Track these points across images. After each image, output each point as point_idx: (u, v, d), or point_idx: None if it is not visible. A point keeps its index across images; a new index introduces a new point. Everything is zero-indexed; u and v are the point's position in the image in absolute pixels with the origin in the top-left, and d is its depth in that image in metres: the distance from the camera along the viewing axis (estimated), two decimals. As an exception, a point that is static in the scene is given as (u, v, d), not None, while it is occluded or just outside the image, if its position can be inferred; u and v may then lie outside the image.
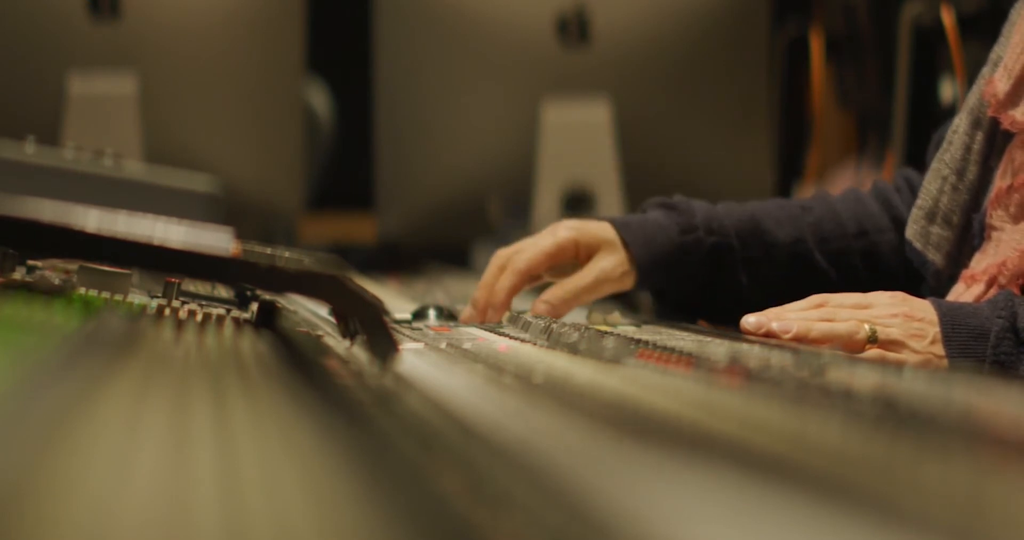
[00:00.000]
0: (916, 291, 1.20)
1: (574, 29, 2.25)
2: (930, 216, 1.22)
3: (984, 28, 2.31)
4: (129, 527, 0.35)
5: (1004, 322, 1.05)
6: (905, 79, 2.46)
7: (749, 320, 1.05)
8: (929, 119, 2.39)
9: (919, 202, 1.23)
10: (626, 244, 1.27)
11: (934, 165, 1.23)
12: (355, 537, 0.36)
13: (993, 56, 1.21)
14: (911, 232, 1.23)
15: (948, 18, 2.37)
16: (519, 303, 1.40)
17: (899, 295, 1.09)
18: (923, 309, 1.07)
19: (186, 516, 0.36)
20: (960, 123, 1.22)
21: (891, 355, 1.05)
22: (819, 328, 1.04)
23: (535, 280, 1.28)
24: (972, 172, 1.20)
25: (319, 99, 3.03)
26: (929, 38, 2.43)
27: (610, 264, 1.26)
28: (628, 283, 1.28)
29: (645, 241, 1.28)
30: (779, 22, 2.80)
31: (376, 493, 0.41)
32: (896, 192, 1.37)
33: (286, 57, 2.33)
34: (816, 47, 2.94)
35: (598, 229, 1.28)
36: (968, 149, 1.20)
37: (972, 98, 1.21)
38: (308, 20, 2.34)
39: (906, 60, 2.47)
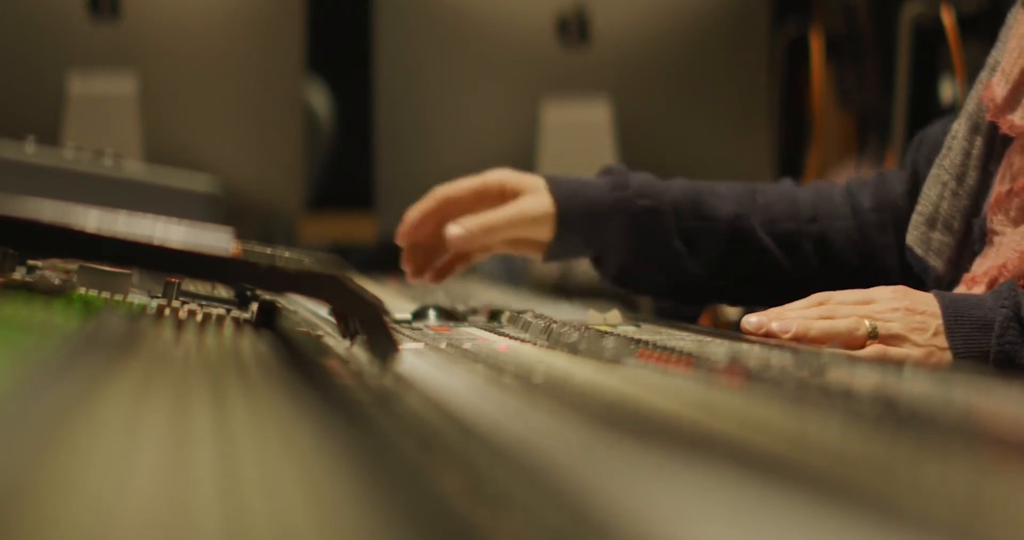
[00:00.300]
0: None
1: (574, 29, 2.25)
2: (930, 222, 1.22)
3: (984, 28, 2.31)
4: (129, 527, 0.35)
5: (1008, 311, 1.05)
6: (905, 79, 2.46)
7: (750, 320, 1.05)
8: (929, 119, 2.39)
9: (919, 208, 1.23)
10: (552, 193, 1.30)
11: (933, 171, 1.23)
12: (355, 537, 0.36)
13: (991, 60, 1.21)
14: (911, 238, 1.23)
15: (948, 18, 2.37)
16: (518, 303, 1.40)
17: (901, 289, 1.09)
18: (925, 302, 1.07)
19: (186, 516, 0.36)
20: (959, 128, 1.21)
21: (893, 350, 1.05)
22: (819, 326, 1.04)
23: (455, 213, 1.31)
24: (972, 177, 1.20)
25: (319, 99, 3.03)
26: (929, 38, 2.43)
27: (530, 204, 1.30)
28: (546, 230, 1.30)
29: (571, 192, 1.31)
30: (779, 22, 2.80)
31: (376, 493, 0.41)
32: (867, 186, 1.37)
33: (286, 57, 2.33)
34: (816, 47, 2.93)
35: (529, 177, 1.32)
36: (967, 154, 1.20)
37: (971, 103, 1.21)
38: (308, 20, 2.34)
39: (906, 60, 2.47)
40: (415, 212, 1.32)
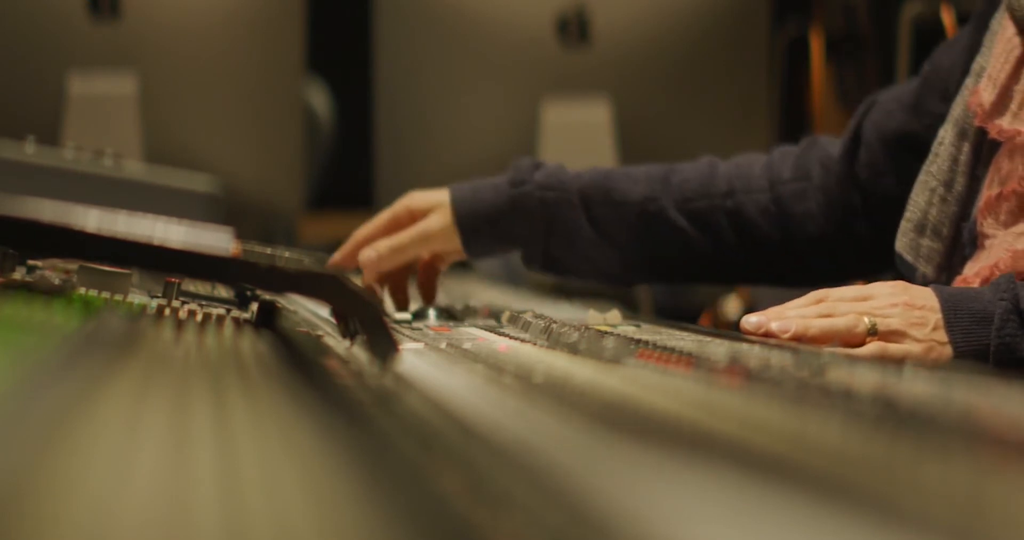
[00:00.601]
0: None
1: (574, 29, 2.25)
2: (919, 228, 1.22)
3: (984, 28, 2.30)
4: (129, 527, 0.35)
5: (1007, 304, 1.05)
6: (905, 79, 2.46)
7: (750, 320, 1.05)
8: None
9: (907, 214, 1.23)
10: (452, 205, 1.36)
11: (921, 177, 1.23)
12: (355, 537, 0.36)
13: (976, 67, 1.21)
14: (901, 245, 1.23)
15: (948, 18, 2.37)
16: (518, 303, 1.40)
17: (899, 284, 1.09)
18: (924, 297, 1.07)
19: (186, 516, 0.36)
20: (945, 135, 1.21)
21: (893, 346, 1.05)
22: (818, 325, 1.04)
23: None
24: (960, 183, 1.19)
25: (319, 99, 3.03)
26: (929, 38, 2.43)
27: (434, 221, 1.35)
28: (454, 240, 1.35)
29: (470, 201, 1.36)
30: (779, 22, 2.80)
31: (376, 493, 0.41)
32: (790, 155, 1.39)
33: (286, 57, 2.33)
34: (816, 47, 2.93)
35: (434, 195, 1.37)
36: (955, 160, 1.20)
37: (956, 109, 1.21)
38: (308, 20, 2.34)
39: (906, 60, 2.47)
40: (338, 257, 1.37)
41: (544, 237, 1.37)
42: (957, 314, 1.06)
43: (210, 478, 0.40)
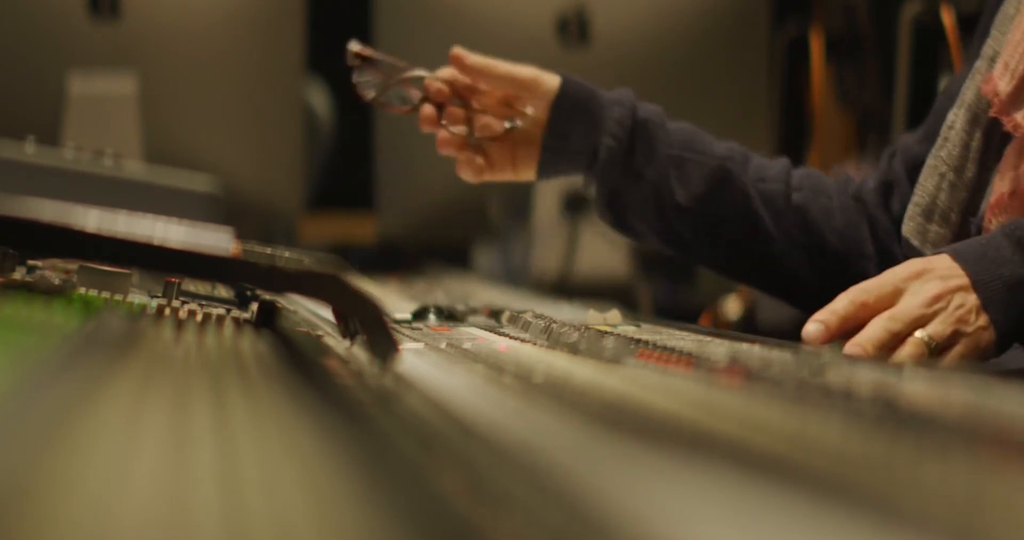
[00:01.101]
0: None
1: (574, 29, 2.25)
2: (927, 214, 1.21)
3: (984, 28, 2.30)
4: (129, 527, 0.35)
5: None
6: (905, 79, 2.46)
7: (813, 335, 1.05)
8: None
9: (916, 199, 1.22)
10: (560, 76, 1.37)
11: (930, 161, 1.22)
12: (355, 537, 0.36)
13: (988, 51, 1.20)
14: (908, 229, 1.22)
15: (948, 18, 2.37)
16: (518, 303, 1.40)
17: (916, 269, 1.08)
18: (947, 270, 1.07)
19: (186, 516, 0.36)
20: (956, 119, 1.20)
21: (955, 355, 1.05)
22: (876, 339, 1.04)
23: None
24: (970, 170, 1.19)
25: (319, 99, 3.03)
26: (929, 38, 2.43)
27: (538, 71, 1.38)
28: (543, 104, 1.36)
29: (577, 80, 1.38)
30: (779, 22, 2.80)
31: (376, 493, 0.41)
32: (850, 181, 1.39)
33: (286, 57, 2.33)
34: (816, 47, 2.94)
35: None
36: (967, 146, 1.19)
37: (968, 94, 1.20)
38: (308, 20, 2.34)
39: (906, 60, 2.47)
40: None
41: (622, 156, 1.34)
42: (989, 287, 1.06)
43: (210, 478, 0.40)
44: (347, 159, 2.99)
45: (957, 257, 1.07)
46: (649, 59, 2.25)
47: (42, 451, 0.41)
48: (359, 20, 2.50)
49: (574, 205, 2.22)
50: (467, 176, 1.37)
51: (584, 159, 1.35)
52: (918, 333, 1.04)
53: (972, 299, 1.05)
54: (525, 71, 1.34)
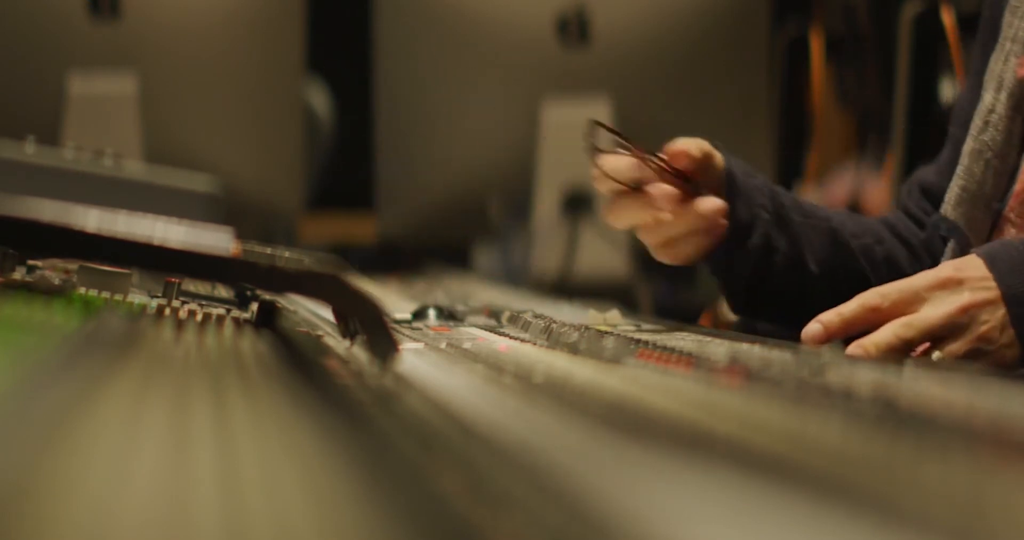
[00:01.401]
0: None
1: (574, 29, 2.25)
2: (974, 199, 1.18)
3: (984, 28, 2.30)
4: (129, 527, 0.35)
5: None
6: (905, 79, 2.46)
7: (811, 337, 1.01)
8: (929, 119, 2.39)
9: (962, 183, 1.18)
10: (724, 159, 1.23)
11: (974, 146, 1.18)
12: (355, 537, 0.36)
13: (1019, 34, 1.17)
14: (955, 214, 1.18)
15: (948, 18, 2.37)
16: (518, 303, 1.40)
17: (944, 276, 1.02)
18: (978, 282, 1.01)
19: (186, 516, 0.36)
20: (997, 104, 1.17)
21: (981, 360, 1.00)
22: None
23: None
24: (1013, 157, 1.16)
25: (319, 99, 3.03)
26: (929, 38, 2.43)
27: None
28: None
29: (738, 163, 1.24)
30: (779, 22, 2.80)
31: (376, 493, 0.41)
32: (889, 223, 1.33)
33: (286, 57, 2.33)
34: (816, 47, 2.94)
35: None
36: (1010, 133, 1.16)
37: (1007, 75, 1.17)
38: (308, 20, 2.34)
39: (906, 60, 2.47)
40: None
41: (767, 239, 1.22)
42: (1021, 301, 1.00)
43: (210, 478, 0.40)
44: (347, 159, 2.99)
45: (990, 264, 1.02)
46: (649, 59, 2.25)
47: (42, 451, 0.41)
48: (359, 20, 2.50)
49: (574, 205, 2.21)
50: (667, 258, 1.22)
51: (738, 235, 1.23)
52: (934, 354, 1.00)
53: (1000, 314, 1.00)
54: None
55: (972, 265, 1.03)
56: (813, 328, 1.02)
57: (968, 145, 1.19)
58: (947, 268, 1.04)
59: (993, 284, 1.01)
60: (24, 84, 2.22)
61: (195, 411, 0.52)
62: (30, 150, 1.49)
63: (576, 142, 2.25)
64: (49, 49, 2.20)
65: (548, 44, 2.25)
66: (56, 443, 0.43)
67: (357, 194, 2.69)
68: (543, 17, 2.25)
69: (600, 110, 2.23)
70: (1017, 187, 1.14)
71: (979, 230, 1.17)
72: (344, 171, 3.02)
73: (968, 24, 2.35)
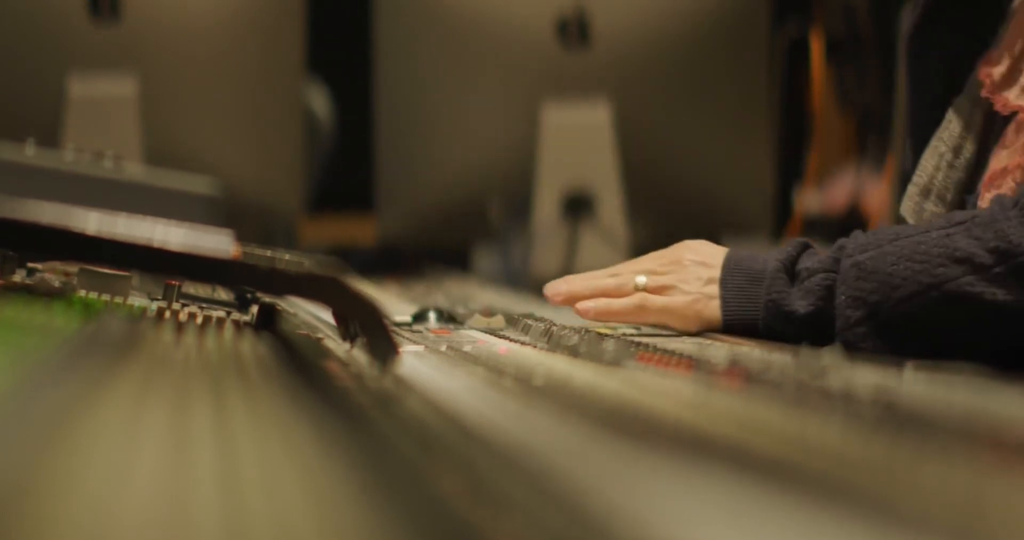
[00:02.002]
0: None
1: (574, 30, 2.25)
2: (924, 192, 1.22)
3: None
4: (129, 527, 0.35)
5: (779, 263, 1.08)
6: (905, 80, 2.46)
7: (547, 288, 1.12)
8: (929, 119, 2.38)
9: (915, 179, 1.24)
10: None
11: (933, 142, 1.23)
12: (355, 538, 0.36)
13: (999, 38, 1.21)
14: (905, 208, 1.24)
15: (948, 19, 2.37)
16: (518, 305, 1.40)
17: (694, 244, 1.14)
18: (714, 255, 1.12)
19: (186, 517, 0.36)
20: (961, 102, 1.22)
21: (653, 298, 1.10)
22: (589, 285, 1.11)
23: None
24: (968, 150, 1.20)
25: (319, 99, 3.03)
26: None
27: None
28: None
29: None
30: (779, 23, 2.80)
31: (376, 494, 0.41)
32: None
33: (286, 57, 2.33)
34: (816, 48, 2.93)
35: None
36: (966, 127, 1.20)
37: (973, 76, 1.21)
38: (308, 20, 2.34)
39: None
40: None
41: None
42: (733, 272, 1.10)
43: (210, 479, 0.40)
44: (347, 160, 2.99)
45: (730, 249, 1.13)
46: (649, 59, 2.25)
47: (42, 451, 0.41)
48: (359, 20, 2.50)
49: (575, 207, 2.21)
50: None
51: None
52: (639, 276, 1.11)
53: (713, 273, 1.10)
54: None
55: (716, 248, 1.14)
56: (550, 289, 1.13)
57: (931, 142, 1.24)
58: (703, 243, 1.16)
59: (718, 256, 1.12)
60: (24, 85, 2.22)
61: (195, 413, 0.52)
62: (30, 152, 1.49)
63: (576, 143, 2.25)
64: (49, 50, 2.20)
65: (548, 46, 2.25)
66: (56, 444, 0.43)
67: (357, 196, 2.69)
68: (543, 18, 2.25)
69: (600, 111, 2.23)
70: (986, 176, 1.16)
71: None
72: (344, 172, 3.02)
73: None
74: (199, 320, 0.87)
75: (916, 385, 0.74)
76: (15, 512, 0.35)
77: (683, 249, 1.14)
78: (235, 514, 0.37)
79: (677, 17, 2.25)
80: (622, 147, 2.24)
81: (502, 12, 2.26)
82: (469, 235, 2.40)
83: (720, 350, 0.91)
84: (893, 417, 0.60)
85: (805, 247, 1.10)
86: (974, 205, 1.17)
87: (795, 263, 1.09)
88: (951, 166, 1.21)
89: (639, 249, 2.30)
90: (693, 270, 1.11)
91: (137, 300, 0.91)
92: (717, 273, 1.10)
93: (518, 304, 1.45)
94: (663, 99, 2.27)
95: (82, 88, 2.19)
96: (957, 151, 1.21)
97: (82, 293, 0.88)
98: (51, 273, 0.94)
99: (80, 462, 0.41)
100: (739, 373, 0.74)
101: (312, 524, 0.37)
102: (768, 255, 1.11)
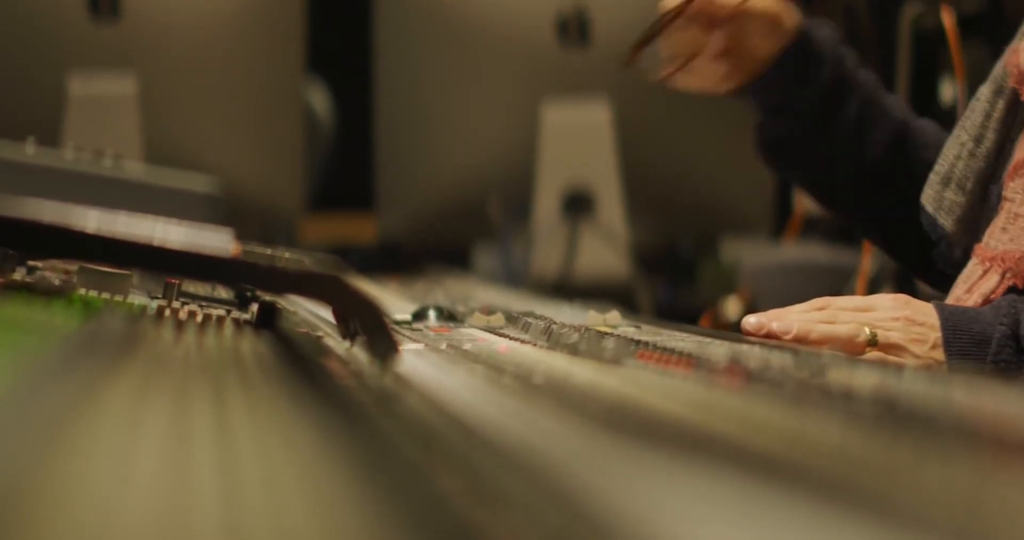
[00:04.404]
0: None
1: (574, 29, 2.25)
2: (945, 181, 1.22)
3: (984, 28, 2.30)
4: (129, 527, 0.35)
5: (1006, 329, 1.05)
6: (905, 80, 2.46)
7: (750, 321, 1.05)
8: (929, 119, 2.39)
9: (936, 167, 1.23)
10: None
11: (955, 131, 1.23)
12: (355, 537, 0.36)
13: (1023, 28, 1.21)
14: (925, 197, 1.23)
15: (948, 19, 2.37)
16: (518, 304, 1.40)
17: (902, 298, 1.09)
18: (925, 313, 1.07)
19: (186, 516, 0.36)
20: (983, 91, 1.21)
21: (891, 359, 1.05)
22: (820, 330, 1.04)
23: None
24: (990, 139, 1.19)
25: (319, 99, 3.03)
26: (929, 38, 2.43)
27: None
28: (775, 41, 1.31)
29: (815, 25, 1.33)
30: (779, 22, 2.79)
31: (376, 493, 0.41)
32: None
33: (286, 57, 2.33)
34: (816, 47, 2.93)
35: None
36: (988, 116, 1.20)
37: (998, 67, 1.21)
38: (308, 20, 2.34)
39: (906, 60, 2.47)
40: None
41: (822, 106, 1.34)
42: (956, 334, 1.06)
43: (210, 478, 0.40)
44: (347, 159, 3.00)
45: (936, 306, 1.09)
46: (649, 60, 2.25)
47: (42, 451, 0.41)
48: (359, 20, 2.50)
49: (574, 206, 2.22)
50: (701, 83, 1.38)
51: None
52: (866, 326, 1.05)
53: (935, 336, 1.06)
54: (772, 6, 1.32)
55: (921, 303, 1.09)
56: (754, 321, 1.06)
57: (953, 131, 1.24)
58: (902, 297, 1.10)
59: (936, 317, 1.07)
60: (24, 84, 2.22)
61: (195, 412, 0.52)
62: (30, 151, 1.49)
63: (576, 142, 2.25)
64: (49, 49, 2.21)
65: (548, 44, 2.25)
66: (56, 443, 0.43)
67: (357, 195, 2.69)
68: (543, 17, 2.25)
69: (600, 110, 2.23)
70: (1011, 166, 1.16)
71: (951, 210, 1.21)
72: (344, 171, 3.02)
73: (968, 24, 2.35)
74: (199, 318, 0.87)
75: (916, 384, 0.74)
76: (15, 512, 0.35)
77: (888, 300, 1.09)
78: (235, 514, 0.37)
79: (677, 16, 2.25)
80: (622, 146, 2.24)
81: (502, 12, 2.26)
82: (469, 234, 2.40)
83: (720, 348, 0.91)
84: (893, 415, 0.60)
85: (1018, 304, 1.08)
86: (998, 195, 1.17)
87: (1018, 327, 1.06)
88: (972, 155, 1.20)
89: (639, 248, 2.30)
90: (916, 330, 1.06)
91: (137, 298, 0.91)
92: (937, 334, 1.06)
93: (518, 302, 1.45)
94: (663, 98, 2.27)
95: (82, 87, 2.19)
96: (979, 140, 1.20)
97: (82, 291, 0.88)
98: (51, 271, 0.94)
99: (80, 461, 0.41)
100: (739, 371, 0.74)
101: (312, 523, 0.37)
102: (982, 313, 1.08)
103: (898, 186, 1.33)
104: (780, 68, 1.32)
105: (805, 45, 1.31)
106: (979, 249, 1.17)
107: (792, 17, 1.31)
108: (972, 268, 1.17)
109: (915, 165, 1.32)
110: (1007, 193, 1.16)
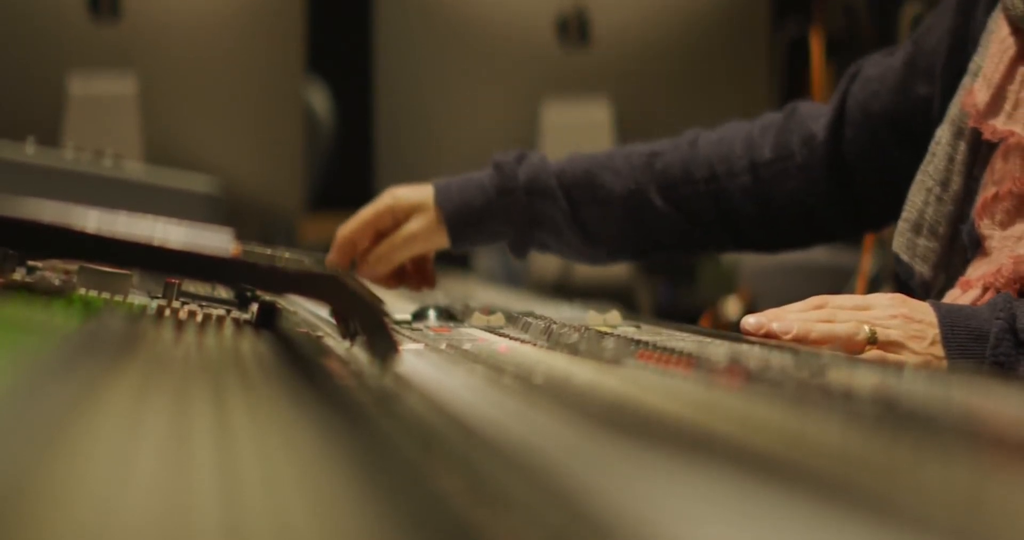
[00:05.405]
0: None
1: (574, 29, 2.25)
2: (916, 228, 1.22)
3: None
4: (129, 527, 0.35)
5: (1003, 323, 1.05)
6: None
7: (749, 321, 1.05)
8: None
9: (904, 214, 1.24)
10: (438, 208, 1.40)
11: (918, 177, 1.23)
12: (355, 537, 0.36)
13: (973, 66, 1.21)
14: (897, 244, 1.24)
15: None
16: (518, 303, 1.40)
17: (899, 297, 1.10)
18: (922, 311, 1.08)
19: (186, 516, 0.36)
20: (943, 135, 1.22)
21: (891, 356, 1.05)
22: (819, 329, 1.04)
23: (363, 249, 1.43)
24: (956, 183, 1.20)
25: (319, 99, 3.03)
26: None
27: (418, 225, 1.40)
28: (441, 241, 1.40)
29: (458, 200, 1.40)
30: (779, 22, 2.80)
31: (376, 493, 0.41)
32: (771, 129, 1.43)
33: (286, 57, 2.33)
34: (816, 47, 2.93)
35: (416, 193, 1.41)
36: (951, 160, 1.20)
37: (954, 108, 1.21)
38: (308, 20, 2.34)
39: (906, 60, 2.47)
40: (333, 258, 1.43)
41: (530, 233, 1.41)
42: (954, 330, 1.06)
43: (210, 479, 0.40)
44: (347, 159, 2.99)
45: (933, 304, 1.09)
46: (649, 59, 2.25)
47: (42, 451, 0.41)
48: (359, 20, 2.50)
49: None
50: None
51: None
52: (865, 325, 1.06)
53: (933, 332, 1.07)
54: (410, 236, 1.41)
55: (918, 302, 1.10)
56: (753, 321, 1.06)
57: (916, 177, 1.24)
58: (898, 296, 1.10)
59: (933, 315, 1.07)
60: (24, 84, 2.22)
61: (195, 412, 0.52)
62: (30, 150, 1.49)
63: (576, 142, 2.25)
64: (49, 49, 2.21)
65: (548, 44, 2.25)
66: (56, 443, 0.43)
67: (357, 194, 2.68)
68: (543, 17, 2.25)
69: (600, 110, 2.23)
70: (978, 204, 1.16)
71: (926, 257, 1.22)
72: (344, 171, 3.02)
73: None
74: (199, 318, 0.87)
75: (916, 384, 0.74)
76: (15, 512, 0.35)
77: (885, 298, 1.10)
78: (235, 513, 0.37)
79: (677, 16, 2.25)
80: (622, 145, 2.23)
81: (502, 11, 2.26)
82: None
83: (720, 348, 0.91)
84: (893, 415, 0.60)
85: (1013, 301, 1.08)
86: (970, 234, 1.17)
87: (1015, 321, 1.06)
88: (940, 200, 1.21)
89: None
90: (915, 327, 1.07)
91: (137, 298, 0.91)
92: (935, 331, 1.06)
93: (518, 302, 1.45)
94: (663, 98, 2.27)
95: (82, 86, 2.19)
96: (945, 184, 1.21)
97: (82, 291, 0.88)
98: (51, 271, 0.94)
99: (80, 461, 0.41)
100: (739, 371, 0.74)
101: (312, 523, 0.37)
102: (979, 310, 1.08)
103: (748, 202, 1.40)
104: (463, 241, 1.42)
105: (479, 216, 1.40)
106: (961, 280, 1.17)
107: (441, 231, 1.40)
108: (953, 292, 1.18)
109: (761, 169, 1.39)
110: (983, 230, 1.16)
